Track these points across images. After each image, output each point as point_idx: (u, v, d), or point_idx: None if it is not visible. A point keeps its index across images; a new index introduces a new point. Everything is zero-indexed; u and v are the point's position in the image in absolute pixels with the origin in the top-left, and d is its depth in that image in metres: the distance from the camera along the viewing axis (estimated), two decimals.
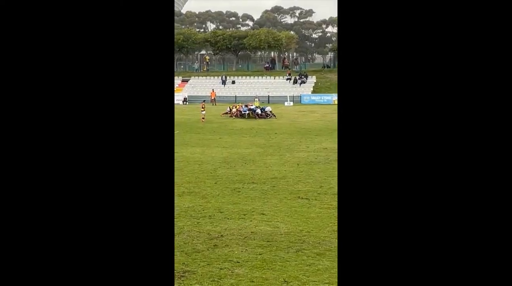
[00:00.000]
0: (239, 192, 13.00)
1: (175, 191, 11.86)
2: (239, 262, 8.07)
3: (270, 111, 35.30)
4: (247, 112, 35.20)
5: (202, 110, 32.94)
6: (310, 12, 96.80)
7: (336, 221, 10.14)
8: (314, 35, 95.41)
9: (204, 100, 37.30)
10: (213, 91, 49.10)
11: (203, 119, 32.28)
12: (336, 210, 11.02)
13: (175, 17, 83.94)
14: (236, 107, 36.75)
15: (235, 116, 35.23)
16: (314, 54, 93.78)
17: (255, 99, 41.03)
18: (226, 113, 36.46)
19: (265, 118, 34.18)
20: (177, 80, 58.14)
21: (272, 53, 73.61)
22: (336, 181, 11.77)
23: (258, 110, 35.16)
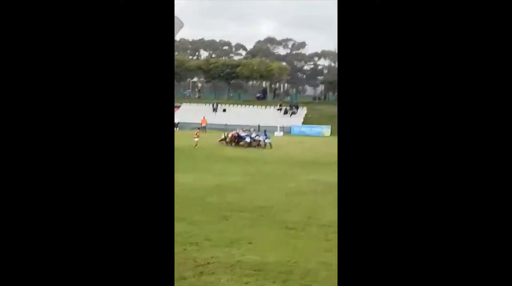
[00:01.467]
0: (227, 219, 12.94)
1: None
2: None
3: (269, 143, 34.59)
4: (246, 139, 34.44)
5: (195, 137, 33.40)
6: (302, 44, 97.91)
7: (324, 253, 10.12)
8: (305, 67, 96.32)
9: (198, 128, 37.38)
10: (204, 119, 49.17)
11: (196, 146, 32.53)
12: (324, 241, 11.02)
13: None
14: (226, 134, 36.08)
15: (230, 143, 34.55)
16: (305, 86, 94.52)
17: (252, 129, 39.52)
18: (222, 140, 35.70)
19: (256, 147, 33.91)
20: None
21: (264, 83, 74.12)
22: (324, 212, 11.76)
23: (248, 139, 34.72)
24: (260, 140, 34.49)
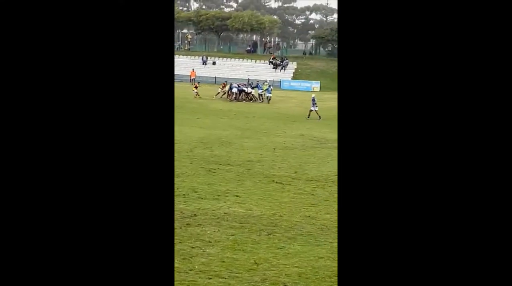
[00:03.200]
0: (214, 173, 13.05)
1: None
2: (210, 242, 8.15)
3: (267, 97, 34.22)
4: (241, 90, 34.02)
5: (194, 89, 35.18)
6: None
7: (309, 207, 10.29)
8: (297, 21, 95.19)
9: (198, 82, 37.90)
10: (193, 71, 48.75)
11: (197, 96, 34.21)
12: (310, 196, 11.18)
13: None
14: (223, 88, 35.36)
15: (229, 97, 34.02)
16: (296, 40, 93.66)
17: (265, 83, 37.92)
18: (219, 94, 34.95)
19: (255, 101, 33.59)
20: None
21: (254, 36, 73.33)
22: (311, 168, 11.94)
23: (249, 90, 34.10)
24: (262, 94, 34.26)
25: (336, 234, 8.77)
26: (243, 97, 34.15)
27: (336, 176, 12.31)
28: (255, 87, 35.20)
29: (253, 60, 57.05)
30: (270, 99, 34.00)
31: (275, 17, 76.46)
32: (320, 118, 25.84)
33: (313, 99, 26.79)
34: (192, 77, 46.53)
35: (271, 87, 36.17)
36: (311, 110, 26.43)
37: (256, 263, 7.42)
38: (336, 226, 9.19)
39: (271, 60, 55.40)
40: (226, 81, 37.17)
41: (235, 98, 33.88)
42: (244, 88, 34.47)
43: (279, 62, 54.70)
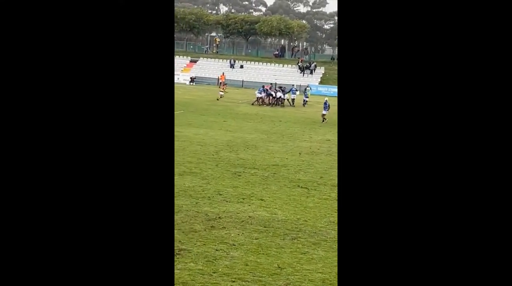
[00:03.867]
0: (240, 176, 13.06)
1: (176, 170, 11.93)
2: (234, 245, 8.15)
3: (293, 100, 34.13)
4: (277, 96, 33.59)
5: (221, 91, 35.96)
6: (323, 3, 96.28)
7: (334, 213, 10.22)
8: (325, 26, 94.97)
9: (225, 83, 39.06)
10: (223, 75, 48.73)
11: (221, 97, 34.86)
12: (335, 201, 11.10)
13: None
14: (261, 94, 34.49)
15: (264, 102, 33.48)
16: (324, 45, 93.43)
17: (307, 88, 37.56)
18: (257, 100, 33.99)
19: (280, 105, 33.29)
20: (186, 60, 57.98)
21: (283, 41, 73.38)
22: (336, 173, 11.84)
23: (280, 95, 33.60)
24: (293, 98, 34.16)
25: None
26: (272, 101, 33.79)
27: None
28: (288, 91, 34.94)
29: (281, 65, 57.05)
30: (305, 103, 34.44)
31: (304, 21, 76.47)
32: (323, 121, 26.16)
33: (325, 103, 26.81)
34: (221, 81, 46.42)
35: (298, 91, 36.07)
36: (323, 114, 26.47)
37: (279, 267, 7.39)
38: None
39: (299, 64, 55.37)
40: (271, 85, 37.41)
41: (268, 103, 33.58)
42: (272, 93, 34.19)
43: (307, 65, 54.63)
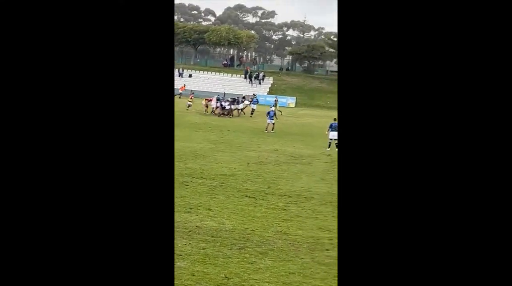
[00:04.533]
0: (187, 185, 12.98)
1: None
2: (181, 255, 8.08)
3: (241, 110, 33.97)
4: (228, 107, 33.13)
5: (189, 101, 35.44)
6: (272, 14, 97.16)
7: (281, 222, 10.29)
8: (274, 37, 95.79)
9: (193, 92, 38.49)
10: (183, 86, 47.78)
11: (189, 107, 34.70)
12: (282, 211, 11.19)
13: None
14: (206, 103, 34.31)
15: (215, 114, 32.91)
16: (273, 55, 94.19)
17: (275, 100, 37.60)
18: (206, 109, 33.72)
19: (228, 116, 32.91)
20: None
21: (232, 50, 73.57)
22: (284, 183, 11.90)
23: (227, 106, 33.15)
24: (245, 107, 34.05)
25: (307, 250, 8.76)
26: (223, 112, 33.45)
27: (309, 192, 12.32)
28: (242, 102, 34.82)
29: (230, 74, 57.16)
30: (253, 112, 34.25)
31: (253, 32, 76.91)
32: (266, 130, 26.07)
33: (269, 113, 26.77)
34: (180, 91, 45.79)
35: (247, 101, 36.14)
36: (270, 123, 26.41)
37: (226, 277, 7.37)
38: (307, 242, 9.21)
39: (245, 70, 55.62)
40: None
41: (220, 113, 33.13)
42: (223, 103, 33.99)
43: (256, 75, 54.93)
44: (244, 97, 35.89)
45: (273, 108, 28.25)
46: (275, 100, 36.80)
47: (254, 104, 35.15)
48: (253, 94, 39.34)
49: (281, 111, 31.00)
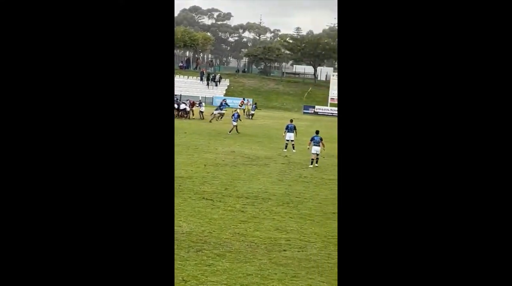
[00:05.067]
0: None
1: None
2: None
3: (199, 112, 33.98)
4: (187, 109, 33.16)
5: None
6: (228, 16, 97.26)
7: (239, 224, 10.29)
8: (230, 39, 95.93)
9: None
10: None
11: None
12: (240, 212, 11.20)
13: None
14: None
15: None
16: (229, 57, 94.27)
17: (245, 102, 37.62)
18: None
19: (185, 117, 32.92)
20: None
21: (188, 52, 73.29)
22: (241, 185, 11.90)
23: (187, 108, 33.31)
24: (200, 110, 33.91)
25: (265, 252, 8.78)
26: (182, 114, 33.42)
27: (266, 194, 12.35)
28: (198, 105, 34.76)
29: (186, 76, 56.90)
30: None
31: (209, 34, 76.81)
32: (230, 132, 26.24)
33: (234, 114, 27.03)
34: None
35: (203, 103, 36.07)
36: (235, 126, 26.64)
37: (184, 280, 7.33)
38: (265, 243, 9.24)
39: (201, 71, 55.60)
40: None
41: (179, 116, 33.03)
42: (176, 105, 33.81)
43: (212, 76, 54.90)
44: (200, 102, 35.78)
45: (238, 110, 28.44)
46: (222, 101, 36.74)
47: (223, 108, 35.03)
48: (224, 99, 39.23)
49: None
